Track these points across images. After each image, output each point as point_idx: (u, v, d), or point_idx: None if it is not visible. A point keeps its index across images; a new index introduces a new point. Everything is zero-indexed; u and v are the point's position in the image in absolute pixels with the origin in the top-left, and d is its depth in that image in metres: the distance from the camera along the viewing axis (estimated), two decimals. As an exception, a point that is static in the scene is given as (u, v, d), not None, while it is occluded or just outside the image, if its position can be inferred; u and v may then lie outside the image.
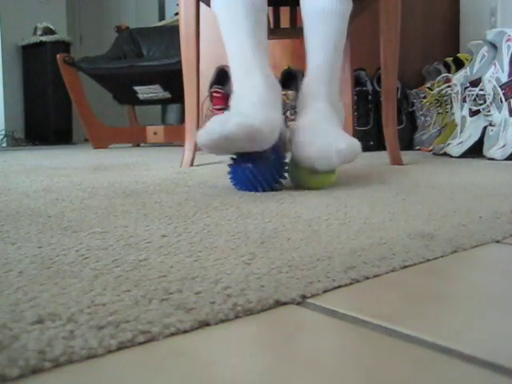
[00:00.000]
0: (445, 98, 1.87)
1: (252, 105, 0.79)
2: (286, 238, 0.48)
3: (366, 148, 2.03)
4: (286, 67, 2.09)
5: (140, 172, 1.20)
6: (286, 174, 0.83)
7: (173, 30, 3.00)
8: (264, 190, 0.80)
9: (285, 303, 0.32)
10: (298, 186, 0.85)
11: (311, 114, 0.86)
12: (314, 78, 0.90)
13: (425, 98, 1.99)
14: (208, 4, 1.21)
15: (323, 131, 0.81)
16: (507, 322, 0.29)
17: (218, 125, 0.72)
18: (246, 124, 0.70)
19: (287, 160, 0.83)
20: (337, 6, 0.92)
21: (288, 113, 1.96)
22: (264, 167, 0.79)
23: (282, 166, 0.82)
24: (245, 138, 0.71)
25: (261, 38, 0.91)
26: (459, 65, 1.92)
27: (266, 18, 0.95)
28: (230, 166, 0.83)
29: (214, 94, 2.07)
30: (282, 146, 0.83)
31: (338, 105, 0.92)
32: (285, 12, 1.76)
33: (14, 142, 3.91)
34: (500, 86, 1.44)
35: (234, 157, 0.82)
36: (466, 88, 1.58)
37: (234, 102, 0.85)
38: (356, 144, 0.81)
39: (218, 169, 1.23)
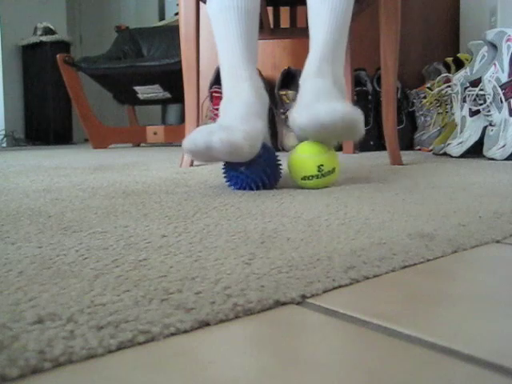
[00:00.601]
0: (445, 98, 1.87)
1: (237, 118, 0.82)
2: (285, 238, 0.48)
3: (366, 148, 2.03)
4: (286, 67, 2.09)
5: (140, 172, 1.20)
6: (283, 173, 0.85)
7: (173, 30, 3.00)
8: (258, 189, 0.82)
9: (285, 303, 0.32)
10: (298, 186, 0.85)
11: (312, 90, 0.84)
12: (316, 56, 0.88)
13: (425, 97, 1.99)
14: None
15: (325, 100, 0.80)
16: (507, 321, 0.29)
17: (203, 136, 0.75)
18: (228, 140, 0.73)
19: (280, 160, 0.85)
20: None
21: (288, 113, 1.96)
22: (256, 167, 0.80)
23: (275, 164, 0.83)
24: (226, 153, 0.75)
25: (251, 45, 0.92)
26: (459, 65, 1.92)
27: (257, 22, 0.95)
28: (223, 168, 0.84)
29: (214, 94, 2.07)
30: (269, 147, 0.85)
31: (341, 83, 0.90)
32: (285, 12, 1.76)
33: (14, 142, 3.90)
34: (500, 86, 1.44)
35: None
36: (466, 88, 1.58)
37: (222, 109, 0.88)
38: (360, 111, 0.78)
39: (218, 169, 1.23)
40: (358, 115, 0.78)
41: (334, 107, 0.76)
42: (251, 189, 0.82)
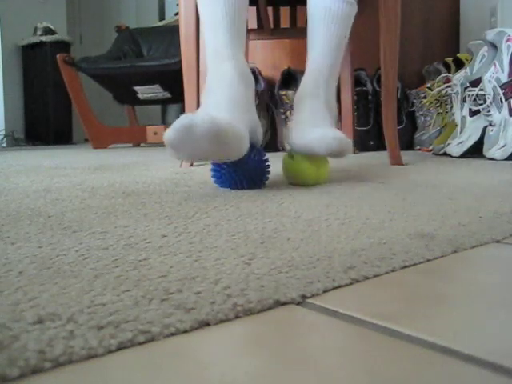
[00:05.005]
0: (445, 98, 1.87)
1: (220, 106, 0.80)
2: (285, 238, 0.48)
3: (366, 148, 2.03)
4: (286, 67, 2.09)
5: (140, 172, 1.20)
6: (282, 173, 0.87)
7: (173, 30, 3.00)
8: (243, 187, 0.83)
9: (285, 303, 0.32)
10: (293, 183, 0.87)
11: (307, 112, 0.90)
12: (312, 79, 0.93)
13: (425, 97, 1.99)
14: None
15: (319, 126, 0.87)
16: (507, 322, 0.29)
17: (183, 118, 0.67)
18: (210, 119, 0.67)
19: (268, 157, 0.86)
20: (341, 7, 0.93)
21: (288, 113, 1.96)
22: (245, 166, 0.81)
23: (262, 163, 0.84)
24: (209, 136, 0.67)
25: (238, 26, 0.89)
26: (459, 65, 1.92)
27: (247, 5, 0.93)
28: (212, 169, 0.84)
29: (214, 94, 2.07)
30: (256, 142, 0.86)
31: (333, 105, 0.95)
32: (285, 12, 1.76)
33: (13, 142, 3.90)
34: (500, 86, 1.44)
35: None
36: (466, 88, 1.58)
37: (204, 96, 0.86)
38: (349, 140, 0.85)
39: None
40: (346, 145, 0.84)
41: (326, 141, 0.82)
42: (236, 187, 0.82)
